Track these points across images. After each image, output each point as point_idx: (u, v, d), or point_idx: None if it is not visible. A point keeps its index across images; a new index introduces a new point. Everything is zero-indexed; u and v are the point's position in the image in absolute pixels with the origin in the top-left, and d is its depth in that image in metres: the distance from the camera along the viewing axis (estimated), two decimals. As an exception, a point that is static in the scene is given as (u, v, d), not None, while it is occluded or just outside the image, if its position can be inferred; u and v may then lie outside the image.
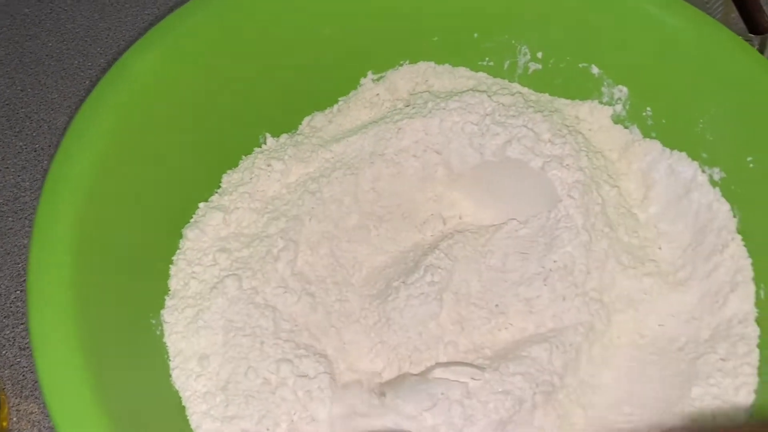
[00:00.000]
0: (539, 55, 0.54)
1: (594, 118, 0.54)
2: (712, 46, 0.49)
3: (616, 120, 0.54)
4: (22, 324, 0.52)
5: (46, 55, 0.66)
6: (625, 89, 0.53)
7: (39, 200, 0.39)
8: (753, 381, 0.43)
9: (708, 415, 0.42)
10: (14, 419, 0.48)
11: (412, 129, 0.51)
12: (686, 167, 0.50)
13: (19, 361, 0.50)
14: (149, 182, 0.45)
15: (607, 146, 0.53)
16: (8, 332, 0.52)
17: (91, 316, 0.38)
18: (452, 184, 0.51)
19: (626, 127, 0.53)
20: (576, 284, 0.46)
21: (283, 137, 0.53)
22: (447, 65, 0.56)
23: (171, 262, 0.47)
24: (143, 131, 0.45)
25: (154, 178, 0.46)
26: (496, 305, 0.46)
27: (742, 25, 0.57)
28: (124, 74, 0.44)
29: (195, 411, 0.42)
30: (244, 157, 0.52)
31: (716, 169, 0.49)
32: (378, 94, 0.55)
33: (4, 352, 0.51)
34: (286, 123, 0.53)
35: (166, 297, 0.46)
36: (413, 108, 0.53)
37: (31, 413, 0.49)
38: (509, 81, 0.56)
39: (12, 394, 0.49)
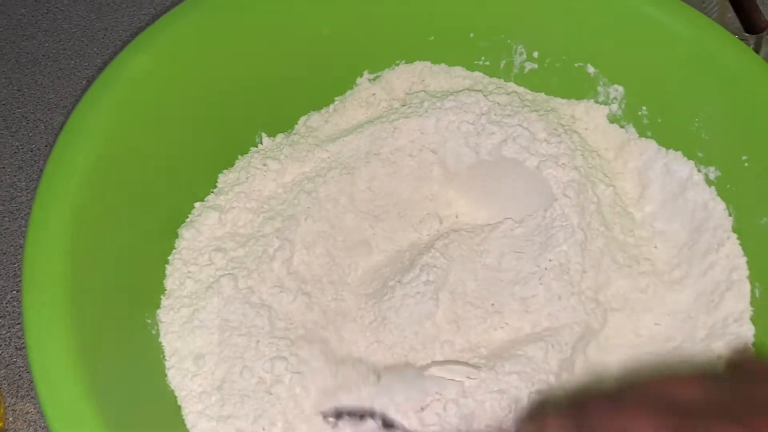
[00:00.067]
0: (535, 54, 0.55)
1: (590, 117, 0.54)
2: (707, 45, 0.49)
3: (612, 119, 0.54)
4: (18, 324, 0.52)
5: (43, 55, 0.66)
6: (620, 88, 0.53)
7: (34, 200, 0.39)
8: (749, 380, 0.43)
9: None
10: (10, 419, 0.48)
11: (408, 128, 0.51)
12: (682, 166, 0.50)
13: (15, 361, 0.50)
14: (145, 182, 0.45)
15: (603, 145, 0.53)
16: (4, 332, 0.52)
17: (87, 316, 0.38)
18: (448, 183, 0.51)
19: (622, 127, 0.53)
20: (571, 283, 0.46)
21: (279, 137, 0.53)
22: (443, 65, 0.56)
23: (167, 262, 0.47)
24: (139, 131, 0.45)
25: (149, 178, 0.46)
26: (492, 304, 0.46)
27: (738, 24, 0.57)
28: (119, 74, 0.44)
29: (190, 410, 0.42)
30: (240, 156, 0.52)
31: (712, 168, 0.49)
32: (374, 94, 0.55)
33: (0, 352, 0.51)
34: (282, 122, 0.53)
35: (161, 296, 0.46)
36: (409, 107, 0.53)
37: (27, 413, 0.49)
38: (505, 80, 0.56)
39: (8, 394, 0.49)
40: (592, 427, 0.29)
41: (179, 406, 0.42)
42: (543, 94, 0.55)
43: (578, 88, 0.54)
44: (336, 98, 0.55)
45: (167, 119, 0.47)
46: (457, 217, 0.51)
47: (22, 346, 0.51)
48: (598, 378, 0.44)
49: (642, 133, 0.53)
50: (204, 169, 0.50)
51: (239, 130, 0.52)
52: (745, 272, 0.46)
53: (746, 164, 0.47)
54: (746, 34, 0.57)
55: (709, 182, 0.49)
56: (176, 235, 0.47)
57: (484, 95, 0.52)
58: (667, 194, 0.50)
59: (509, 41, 0.55)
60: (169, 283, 0.46)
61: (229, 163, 0.51)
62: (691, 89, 0.50)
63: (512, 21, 0.54)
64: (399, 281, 0.46)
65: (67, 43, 0.66)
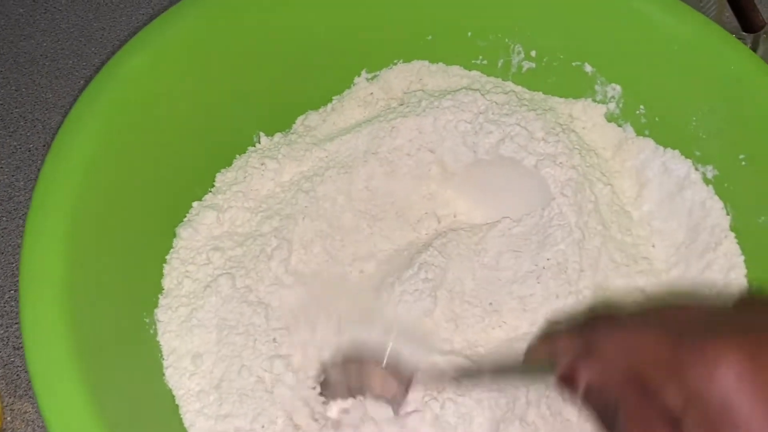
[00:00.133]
0: (533, 53, 0.55)
1: (587, 116, 0.54)
2: (705, 44, 0.49)
3: (610, 118, 0.54)
4: (16, 324, 0.52)
5: (41, 55, 0.65)
6: (618, 87, 0.53)
7: (31, 200, 0.39)
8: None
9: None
10: (8, 418, 0.48)
11: (406, 127, 0.51)
12: (679, 165, 0.50)
13: (13, 361, 0.50)
14: (142, 181, 0.45)
15: (601, 144, 0.53)
16: (2, 332, 0.52)
17: (84, 315, 0.38)
18: (446, 182, 0.51)
19: (620, 125, 0.53)
20: (569, 282, 0.46)
21: (277, 136, 0.53)
22: (441, 64, 0.56)
23: (164, 261, 0.47)
24: (136, 130, 0.45)
25: (147, 177, 0.46)
26: (490, 303, 0.46)
27: (735, 23, 0.57)
28: (117, 74, 0.44)
29: (188, 409, 0.42)
30: (237, 156, 0.52)
31: (709, 167, 0.49)
32: (372, 93, 0.55)
33: (-2, 351, 0.51)
34: (280, 122, 0.53)
35: (159, 296, 0.46)
36: (407, 107, 0.53)
37: (25, 412, 0.49)
38: (503, 79, 0.56)
39: (6, 394, 0.49)
40: (598, 342, 0.32)
41: (177, 405, 0.42)
42: (540, 93, 0.55)
43: (576, 87, 0.54)
44: (334, 97, 0.55)
45: (165, 119, 0.47)
46: (455, 216, 0.51)
47: (20, 345, 0.51)
48: None
49: (639, 132, 0.53)
50: (202, 169, 0.50)
51: (237, 130, 0.52)
52: (743, 271, 0.46)
53: (744, 163, 0.47)
54: (744, 32, 0.57)
55: (706, 181, 0.49)
56: (174, 235, 0.47)
57: (482, 94, 0.52)
58: (665, 193, 0.50)
59: (507, 40, 0.55)
60: (167, 283, 0.46)
61: (227, 163, 0.51)
62: (689, 88, 0.50)
63: (510, 20, 0.54)
64: (397, 278, 0.46)
65: (65, 43, 0.66)
